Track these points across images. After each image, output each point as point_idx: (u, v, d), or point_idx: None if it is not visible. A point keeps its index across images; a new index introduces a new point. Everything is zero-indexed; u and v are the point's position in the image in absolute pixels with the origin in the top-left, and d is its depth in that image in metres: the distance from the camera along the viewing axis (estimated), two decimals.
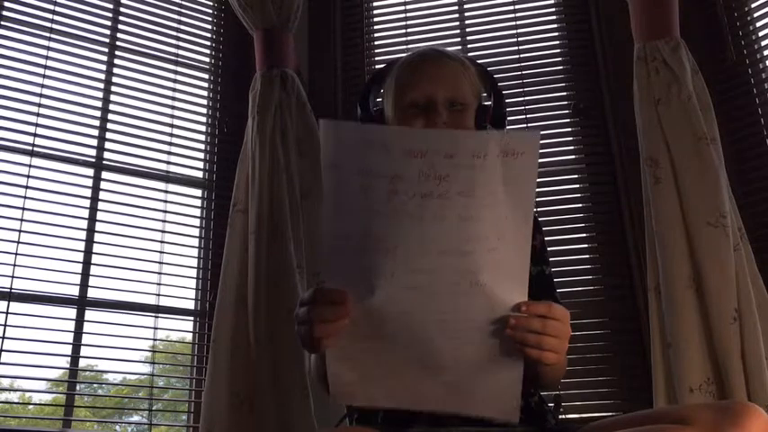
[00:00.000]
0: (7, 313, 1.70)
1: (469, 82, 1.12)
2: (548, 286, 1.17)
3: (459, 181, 0.76)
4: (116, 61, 2.08)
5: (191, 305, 2.00)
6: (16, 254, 1.75)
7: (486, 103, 1.17)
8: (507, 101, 1.22)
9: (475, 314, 0.81)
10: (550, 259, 1.22)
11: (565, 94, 2.12)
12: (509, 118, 1.57)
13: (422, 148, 0.75)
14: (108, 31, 2.10)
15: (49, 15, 1.99)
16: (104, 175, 1.96)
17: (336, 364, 0.86)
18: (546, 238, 1.22)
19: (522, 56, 2.16)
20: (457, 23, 2.26)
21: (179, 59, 2.20)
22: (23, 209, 1.79)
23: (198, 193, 2.13)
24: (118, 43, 2.10)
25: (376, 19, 2.34)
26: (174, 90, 2.15)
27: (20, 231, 1.77)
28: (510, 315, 0.81)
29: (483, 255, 0.78)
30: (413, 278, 0.79)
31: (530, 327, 0.81)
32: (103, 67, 2.06)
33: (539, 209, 1.99)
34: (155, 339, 1.92)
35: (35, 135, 1.87)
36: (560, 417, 1.37)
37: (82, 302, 1.82)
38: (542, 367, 0.95)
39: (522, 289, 0.82)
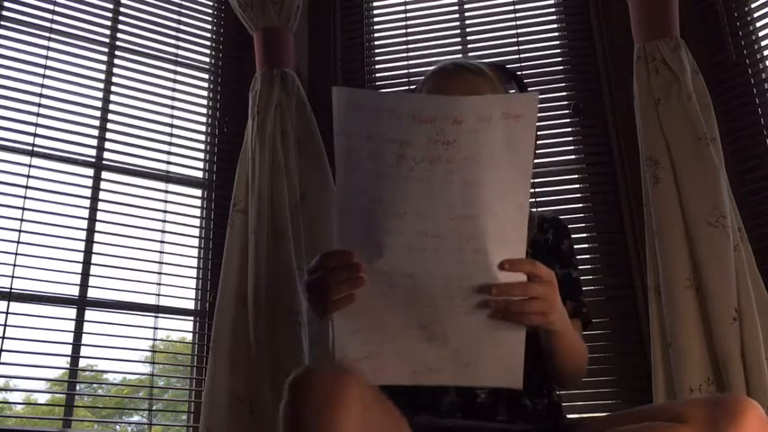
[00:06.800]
0: (7, 313, 1.70)
1: (491, 92, 1.12)
2: (573, 289, 1.16)
3: (465, 146, 0.78)
4: (116, 61, 2.08)
5: (191, 305, 2.00)
6: (16, 254, 1.75)
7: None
8: None
9: (476, 281, 0.82)
10: None
11: (565, 94, 2.12)
12: None
13: (431, 114, 0.77)
14: (108, 31, 2.09)
15: (49, 15, 1.99)
16: (104, 175, 1.96)
17: (344, 338, 0.86)
18: None
19: (522, 56, 2.15)
20: (457, 23, 2.26)
21: (179, 59, 2.20)
22: (23, 209, 1.79)
23: (198, 193, 2.13)
24: (118, 43, 2.10)
25: (376, 19, 2.34)
26: (173, 90, 2.15)
27: (20, 231, 1.77)
28: (492, 285, 0.82)
29: (486, 219, 0.80)
30: (420, 240, 0.80)
31: (511, 293, 0.82)
32: (103, 67, 2.06)
33: (540, 209, 1.99)
34: (155, 339, 1.92)
35: (35, 135, 1.87)
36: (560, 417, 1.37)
37: (82, 302, 1.82)
38: (552, 342, 0.96)
39: (518, 252, 0.83)
